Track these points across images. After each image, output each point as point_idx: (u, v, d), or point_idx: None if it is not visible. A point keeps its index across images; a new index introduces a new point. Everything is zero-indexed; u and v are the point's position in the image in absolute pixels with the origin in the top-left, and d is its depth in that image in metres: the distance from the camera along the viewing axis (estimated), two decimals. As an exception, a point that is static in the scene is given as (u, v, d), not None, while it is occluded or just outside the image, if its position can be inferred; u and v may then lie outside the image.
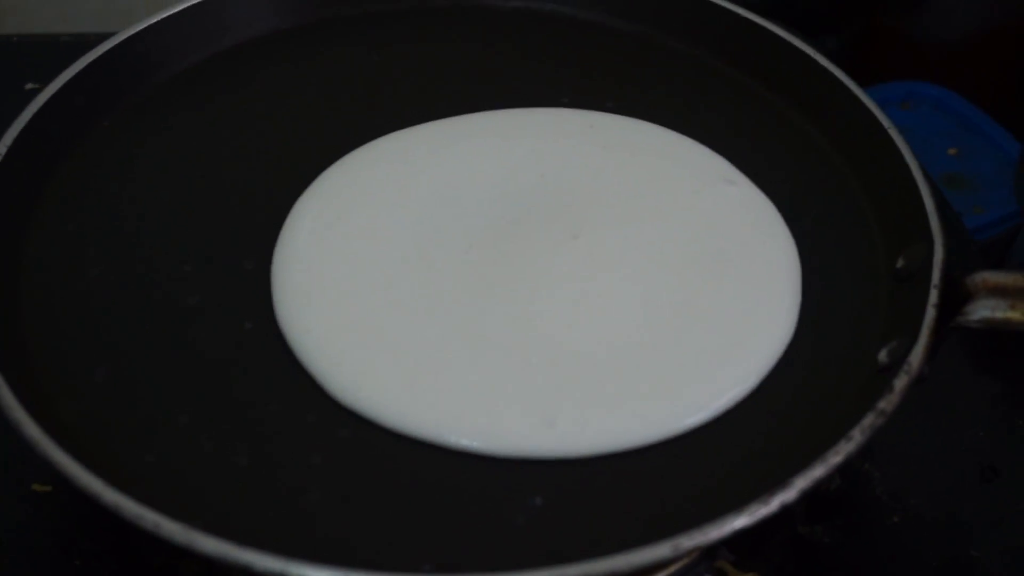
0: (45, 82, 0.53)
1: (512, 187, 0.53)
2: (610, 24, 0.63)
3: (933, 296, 0.46)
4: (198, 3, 0.58)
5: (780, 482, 0.40)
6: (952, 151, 0.89)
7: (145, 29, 0.56)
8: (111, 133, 0.55)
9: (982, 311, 0.45)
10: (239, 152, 0.55)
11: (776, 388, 0.47)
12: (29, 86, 0.66)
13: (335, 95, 0.58)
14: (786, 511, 0.42)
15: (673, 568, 0.47)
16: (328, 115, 0.56)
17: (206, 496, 0.42)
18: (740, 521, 0.39)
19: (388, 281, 0.48)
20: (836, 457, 0.41)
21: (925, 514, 0.50)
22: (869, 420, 0.42)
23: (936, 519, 0.50)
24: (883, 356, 0.46)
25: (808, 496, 0.49)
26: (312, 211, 0.51)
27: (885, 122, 0.53)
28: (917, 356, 0.44)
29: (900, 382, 0.43)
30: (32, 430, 0.41)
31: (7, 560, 0.48)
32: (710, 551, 0.48)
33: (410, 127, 0.55)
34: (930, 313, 0.45)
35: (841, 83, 0.56)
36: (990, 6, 0.91)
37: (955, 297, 0.46)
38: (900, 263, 0.49)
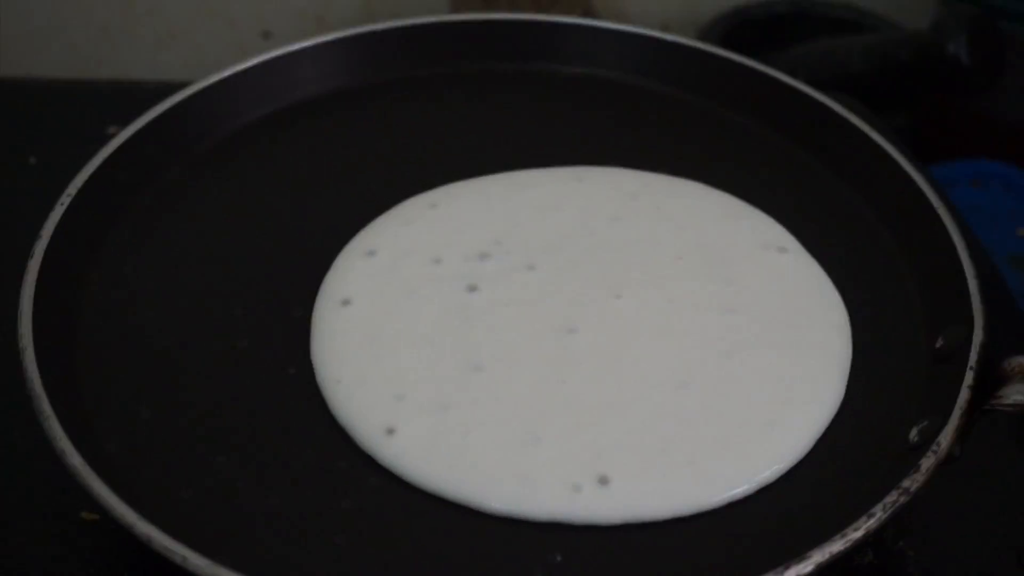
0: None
1: (559, 242, 0.54)
2: (672, 94, 0.64)
3: (968, 378, 0.46)
4: (268, 60, 0.60)
5: (796, 555, 0.40)
6: (1021, 232, 0.88)
7: (217, 83, 0.59)
8: (176, 181, 0.57)
9: (1016, 395, 0.45)
10: (295, 204, 0.57)
11: (810, 463, 0.47)
12: (111, 130, 0.69)
13: (391, 149, 0.60)
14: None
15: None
16: (385, 167, 0.59)
17: (236, 534, 0.44)
18: (753, 592, 0.39)
19: (426, 336, 0.49)
20: (855, 533, 0.41)
21: (957, 597, 0.49)
22: (892, 498, 0.42)
23: (968, 602, 0.49)
24: (914, 435, 0.46)
25: (836, 570, 0.49)
26: (355, 261, 0.53)
27: (935, 201, 0.54)
28: (947, 437, 0.44)
29: (927, 462, 0.43)
30: (75, 460, 0.43)
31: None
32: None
33: (460, 181, 0.57)
34: (963, 395, 0.45)
35: (894, 160, 0.56)
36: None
37: (990, 380, 0.46)
38: (940, 343, 0.49)
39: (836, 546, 0.41)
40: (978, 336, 0.47)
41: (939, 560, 0.51)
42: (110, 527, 0.50)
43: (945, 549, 0.51)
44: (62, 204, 0.52)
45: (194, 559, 0.40)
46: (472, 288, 0.51)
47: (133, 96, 0.74)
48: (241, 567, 0.40)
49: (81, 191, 0.53)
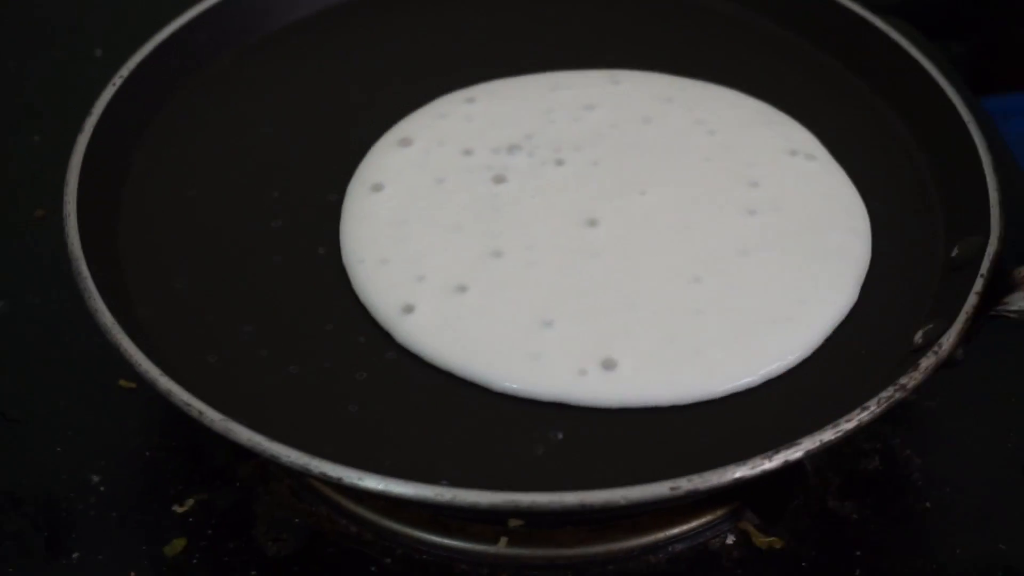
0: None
1: (589, 140, 0.55)
2: (715, 3, 0.64)
3: (978, 284, 0.46)
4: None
5: (788, 442, 0.41)
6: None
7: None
8: (225, 70, 0.59)
9: (1021, 302, 0.45)
10: (337, 97, 0.58)
11: (815, 361, 0.48)
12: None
13: (432, 48, 0.61)
14: (803, 479, 0.43)
15: (696, 524, 0.49)
16: (424, 64, 0.60)
17: (256, 397, 0.46)
18: (740, 471, 0.41)
19: (451, 222, 0.51)
20: (847, 423, 0.42)
21: (958, 503, 0.50)
22: (888, 393, 0.43)
23: (969, 509, 0.50)
24: (919, 337, 0.47)
25: (842, 472, 0.50)
26: (388, 149, 0.54)
27: (966, 116, 0.54)
28: (949, 339, 0.45)
29: (927, 361, 0.44)
30: (106, 318, 0.45)
31: (91, 447, 0.52)
32: (735, 512, 0.49)
33: (497, 79, 0.58)
34: (970, 300, 0.46)
35: (927, 72, 0.56)
36: None
37: (1000, 288, 0.46)
38: (955, 252, 0.50)
39: (827, 435, 0.42)
40: (992, 245, 0.48)
41: (945, 469, 0.51)
42: (146, 396, 0.53)
43: (951, 458, 0.52)
44: (114, 84, 0.55)
45: (209, 414, 0.42)
46: (500, 179, 0.53)
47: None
48: (253, 425, 0.42)
49: (133, 73, 0.56)
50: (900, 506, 0.50)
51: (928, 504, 0.50)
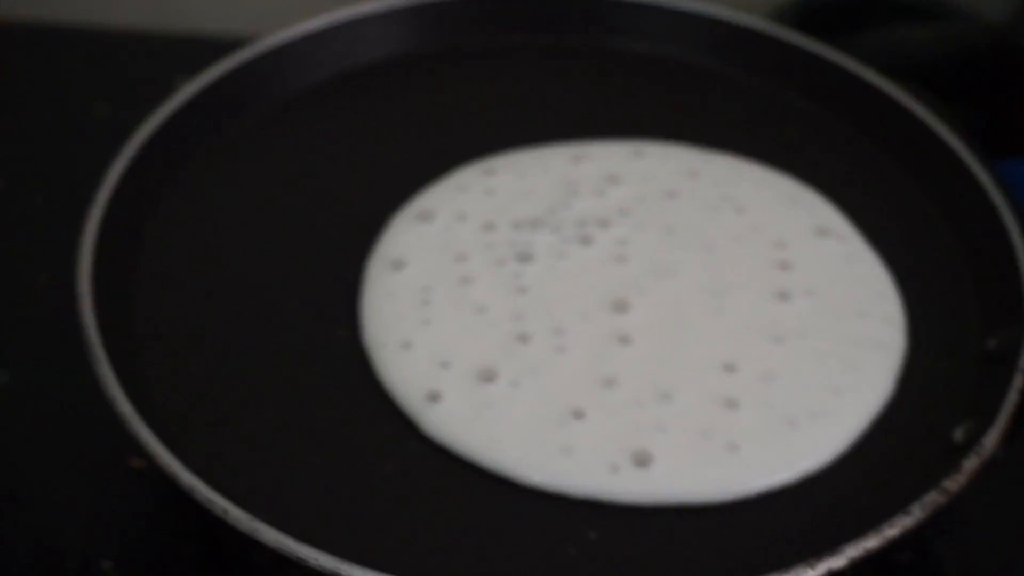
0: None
1: (615, 216, 0.53)
2: (736, 75, 0.63)
3: (1017, 381, 0.45)
4: (336, 22, 0.61)
5: (830, 549, 0.40)
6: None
7: (279, 44, 0.60)
8: (236, 139, 0.58)
9: (1064, 398, 0.45)
10: (353, 167, 0.57)
11: (852, 457, 0.47)
12: (178, 79, 0.70)
13: (449, 117, 0.60)
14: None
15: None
16: (442, 134, 0.59)
17: (278, 492, 0.44)
18: (782, 582, 0.39)
19: (475, 303, 0.50)
20: (891, 530, 0.41)
21: (992, 600, 0.49)
22: (931, 497, 0.42)
23: (1003, 607, 0.49)
24: (959, 435, 0.46)
25: (873, 567, 0.49)
26: (408, 224, 0.53)
27: (995, 197, 0.53)
28: (991, 439, 0.44)
29: (969, 463, 0.43)
30: (125, 408, 0.43)
31: (101, 531, 0.50)
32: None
33: (517, 150, 0.57)
34: (1012, 397, 0.45)
35: (957, 153, 0.55)
36: None
37: (1041, 382, 0.45)
38: (992, 343, 0.49)
39: (871, 542, 0.41)
40: (1031, 339, 0.47)
41: (979, 563, 0.50)
42: (155, 475, 0.51)
43: (984, 552, 0.51)
44: (124, 156, 0.53)
45: (235, 512, 0.41)
46: (524, 258, 0.51)
47: (202, 48, 0.75)
48: (279, 524, 0.41)
49: (145, 143, 0.54)
50: (933, 603, 0.49)
51: (962, 601, 0.49)
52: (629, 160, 0.57)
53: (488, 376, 0.47)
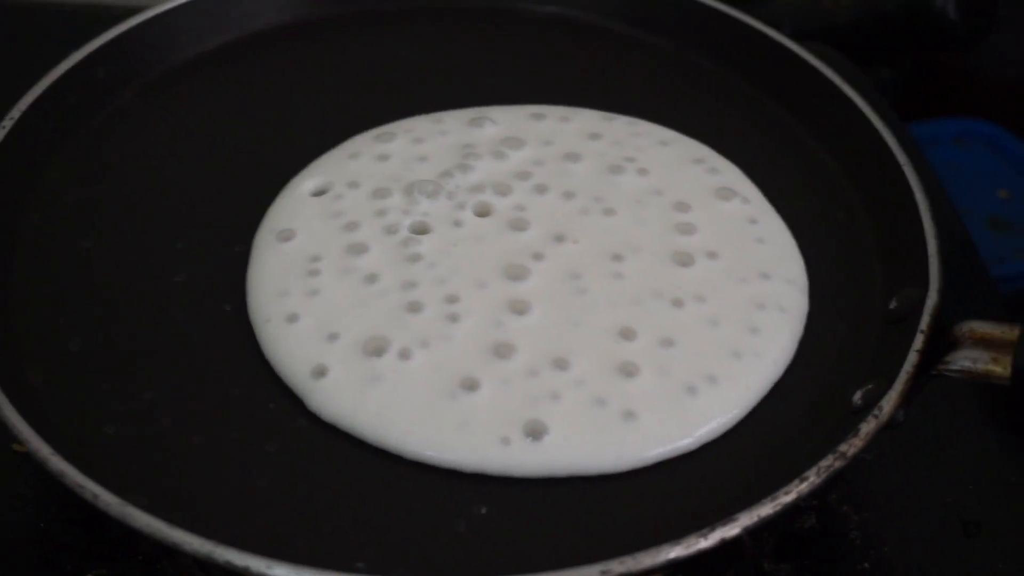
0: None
1: (512, 181, 0.52)
2: (644, 37, 0.62)
3: (917, 342, 0.44)
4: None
5: (724, 518, 0.39)
6: (1003, 193, 0.86)
7: (170, 10, 0.57)
8: (124, 109, 0.56)
9: (963, 361, 0.44)
10: (244, 136, 0.55)
11: (750, 422, 0.45)
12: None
13: (345, 84, 0.58)
14: (737, 546, 0.41)
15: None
16: (337, 101, 0.57)
17: (157, 472, 0.43)
18: (675, 552, 0.38)
19: (365, 274, 0.48)
20: (786, 496, 0.40)
21: (897, 563, 0.48)
22: (827, 462, 0.41)
23: (908, 569, 0.48)
24: (857, 398, 0.45)
25: (778, 532, 0.48)
26: (298, 195, 0.51)
27: (900, 157, 0.52)
28: (889, 401, 0.43)
29: (867, 426, 0.42)
30: (2, 402, 0.41)
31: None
32: (668, 579, 0.47)
33: (413, 116, 0.55)
34: (911, 358, 0.44)
35: (864, 115, 0.54)
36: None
37: (940, 345, 0.45)
38: (893, 304, 0.48)
39: (765, 509, 0.40)
40: (931, 299, 0.46)
41: (883, 526, 0.50)
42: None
43: (890, 515, 0.50)
44: (3, 127, 0.51)
45: (106, 497, 0.39)
46: (417, 224, 0.50)
47: (96, 19, 0.73)
48: (154, 508, 0.39)
49: (25, 114, 0.52)
50: (838, 567, 0.48)
51: (867, 565, 0.48)
52: (529, 122, 0.55)
53: (377, 348, 0.45)
